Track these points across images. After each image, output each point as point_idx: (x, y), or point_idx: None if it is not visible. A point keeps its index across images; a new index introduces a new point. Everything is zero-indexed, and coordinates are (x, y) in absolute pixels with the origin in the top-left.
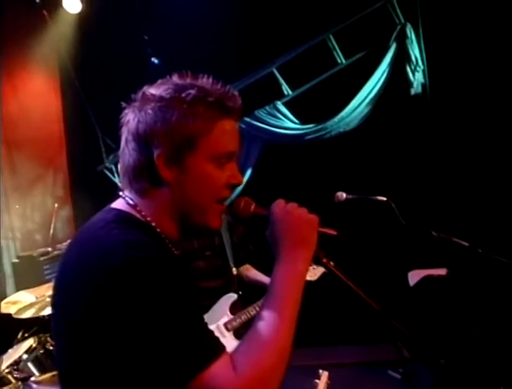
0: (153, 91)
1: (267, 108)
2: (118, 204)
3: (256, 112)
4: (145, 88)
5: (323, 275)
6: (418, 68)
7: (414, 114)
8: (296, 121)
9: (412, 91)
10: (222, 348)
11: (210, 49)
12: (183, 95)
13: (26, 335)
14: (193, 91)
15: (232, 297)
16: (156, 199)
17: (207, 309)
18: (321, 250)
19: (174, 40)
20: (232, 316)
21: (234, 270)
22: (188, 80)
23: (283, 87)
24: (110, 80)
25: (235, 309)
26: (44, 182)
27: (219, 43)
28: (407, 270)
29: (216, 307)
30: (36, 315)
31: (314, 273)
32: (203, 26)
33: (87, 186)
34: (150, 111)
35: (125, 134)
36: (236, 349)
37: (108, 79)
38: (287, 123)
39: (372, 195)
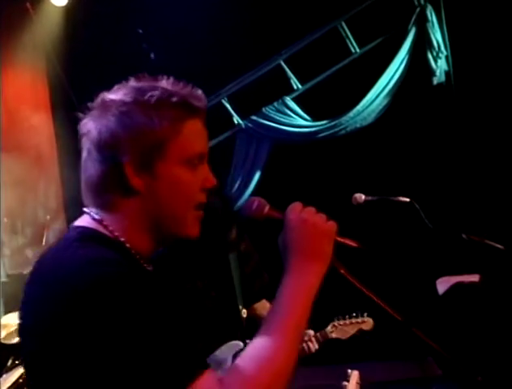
0: (112, 96)
1: (275, 104)
2: (83, 221)
3: (263, 109)
4: (102, 94)
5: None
6: (441, 54)
7: (437, 105)
8: (308, 117)
9: (435, 80)
10: (204, 365)
11: (210, 42)
12: (146, 97)
13: (17, 362)
14: (156, 93)
15: (236, 345)
16: (125, 212)
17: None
18: (337, 260)
19: (171, 32)
20: None
21: (244, 312)
22: (147, 82)
23: (292, 81)
24: (103, 79)
25: None
26: (34, 193)
27: (220, 34)
28: (435, 277)
29: (216, 356)
30: None
31: (346, 331)
32: (202, 16)
33: (81, 198)
34: (112, 117)
35: (86, 146)
36: (230, 367)
37: (100, 77)
38: (297, 120)
39: (393, 196)
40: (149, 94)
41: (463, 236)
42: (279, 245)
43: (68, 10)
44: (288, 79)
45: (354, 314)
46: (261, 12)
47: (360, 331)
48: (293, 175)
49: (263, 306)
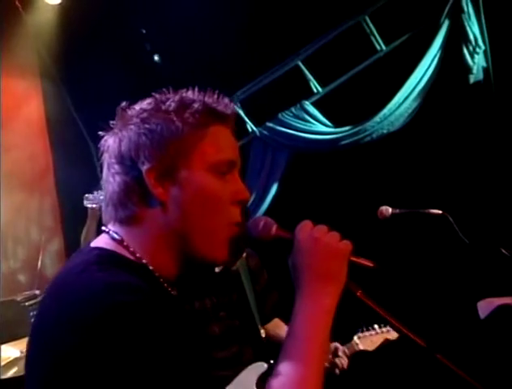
0: (133, 107)
1: (293, 109)
2: (101, 242)
3: (280, 115)
4: (123, 105)
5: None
6: (478, 49)
7: (475, 107)
8: (329, 123)
9: (472, 79)
10: None
11: (220, 42)
12: (167, 104)
13: None
14: (176, 99)
15: (260, 366)
16: (148, 227)
17: (227, 381)
18: (353, 281)
19: (178, 33)
20: None
21: (262, 331)
22: (171, 94)
23: (312, 84)
24: (102, 83)
25: (264, 383)
26: (28, 210)
27: (231, 33)
28: (475, 299)
29: (239, 380)
30: (21, 374)
31: (373, 342)
32: (210, 13)
33: (81, 213)
34: (132, 126)
35: (106, 161)
36: None
37: (99, 82)
38: (317, 127)
39: (424, 208)
40: (170, 100)
41: (504, 251)
42: (289, 267)
43: (63, 8)
44: (306, 82)
45: (376, 325)
46: (275, 8)
47: (387, 340)
48: (313, 187)
49: (277, 325)
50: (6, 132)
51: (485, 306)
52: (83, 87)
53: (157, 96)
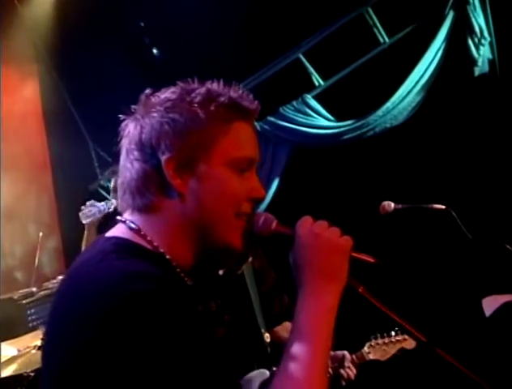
0: (157, 94)
1: (295, 103)
2: (117, 231)
3: (281, 109)
4: (147, 92)
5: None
6: (483, 41)
7: (480, 100)
8: (331, 117)
9: (477, 71)
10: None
11: (219, 35)
12: (192, 95)
13: None
14: (203, 91)
15: (262, 374)
16: (165, 216)
17: None
18: (354, 278)
19: (178, 26)
20: None
21: (267, 336)
22: (196, 85)
23: (313, 77)
24: (100, 77)
25: None
26: (25, 206)
27: (231, 26)
28: (479, 296)
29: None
30: (18, 372)
31: (386, 352)
32: (209, 5)
33: (79, 210)
34: (155, 114)
35: (125, 146)
36: None
37: (97, 76)
38: (319, 121)
39: (427, 204)
40: (196, 92)
41: (508, 247)
42: (290, 263)
43: (59, 0)
44: (308, 75)
45: (393, 332)
46: (276, 0)
47: (402, 350)
48: (315, 182)
49: (285, 329)
50: (4, 128)
51: (490, 303)
52: (80, 80)
53: (182, 85)
